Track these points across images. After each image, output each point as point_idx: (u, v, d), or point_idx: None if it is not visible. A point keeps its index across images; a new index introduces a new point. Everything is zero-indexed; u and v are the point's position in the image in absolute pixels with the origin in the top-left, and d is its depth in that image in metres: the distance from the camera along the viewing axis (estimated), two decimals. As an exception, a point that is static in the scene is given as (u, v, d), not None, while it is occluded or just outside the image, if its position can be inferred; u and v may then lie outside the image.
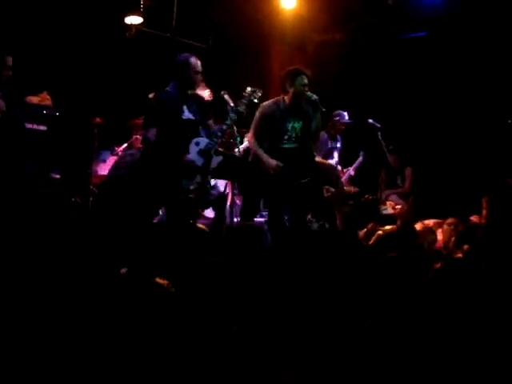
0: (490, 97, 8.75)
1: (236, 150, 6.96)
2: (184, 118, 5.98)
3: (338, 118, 8.33)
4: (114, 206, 5.60)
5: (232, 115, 6.38)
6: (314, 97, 6.56)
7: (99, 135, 7.60)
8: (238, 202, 7.89)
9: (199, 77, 6.19)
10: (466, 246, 4.64)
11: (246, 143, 7.24)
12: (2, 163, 6.71)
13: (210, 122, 6.35)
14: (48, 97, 7.30)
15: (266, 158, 6.48)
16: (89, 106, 7.94)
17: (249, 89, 6.46)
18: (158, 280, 3.09)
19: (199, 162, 5.93)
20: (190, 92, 6.13)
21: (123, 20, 8.45)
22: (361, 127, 8.47)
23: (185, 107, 6.04)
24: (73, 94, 7.87)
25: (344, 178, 8.34)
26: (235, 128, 6.90)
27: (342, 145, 8.55)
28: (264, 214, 7.99)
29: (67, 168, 7.27)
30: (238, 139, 6.90)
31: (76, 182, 7.21)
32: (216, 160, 6.03)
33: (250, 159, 6.70)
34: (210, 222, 6.95)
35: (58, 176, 7.16)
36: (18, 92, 7.18)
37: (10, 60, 6.27)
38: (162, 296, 3.01)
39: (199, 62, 6.14)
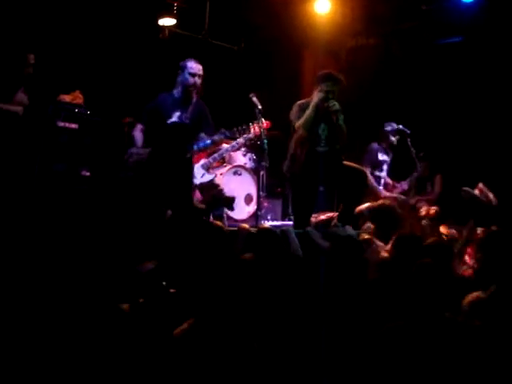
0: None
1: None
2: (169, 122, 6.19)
3: (389, 129, 8.25)
4: (127, 207, 5.65)
5: (260, 118, 6.44)
6: (336, 107, 6.54)
7: (129, 134, 7.66)
8: (265, 204, 7.90)
9: (196, 79, 6.34)
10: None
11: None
12: (33, 161, 6.83)
13: (202, 134, 6.46)
14: (80, 95, 7.39)
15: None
16: (120, 106, 8.02)
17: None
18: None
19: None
20: (193, 97, 6.34)
21: (157, 21, 8.53)
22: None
23: (177, 113, 6.22)
24: (104, 94, 7.95)
25: (397, 191, 8.26)
26: (263, 131, 6.90)
27: (391, 158, 8.47)
28: (292, 217, 8.00)
29: (98, 166, 7.34)
30: (266, 141, 6.88)
31: (106, 180, 7.27)
32: (207, 177, 6.10)
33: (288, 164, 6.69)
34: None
35: (88, 174, 7.24)
36: (51, 90, 7.30)
37: (31, 58, 6.44)
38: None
39: (199, 67, 6.36)
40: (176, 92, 6.42)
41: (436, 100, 9.39)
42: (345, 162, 6.76)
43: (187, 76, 6.33)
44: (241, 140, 6.81)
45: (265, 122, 7.05)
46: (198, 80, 6.40)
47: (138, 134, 6.30)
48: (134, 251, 4.29)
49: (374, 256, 4.74)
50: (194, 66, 6.36)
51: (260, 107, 6.55)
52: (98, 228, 5.33)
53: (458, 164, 8.80)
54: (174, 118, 6.25)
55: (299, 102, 6.76)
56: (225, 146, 6.95)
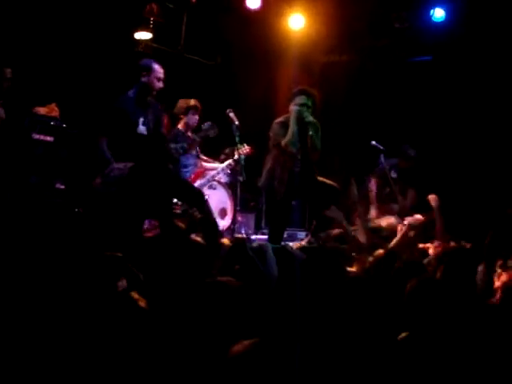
0: (492, 119, 8.84)
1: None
2: (138, 132, 6.01)
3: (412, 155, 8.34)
4: (108, 222, 5.64)
5: (236, 132, 6.49)
6: (309, 118, 6.64)
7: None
8: (239, 218, 7.97)
9: (161, 84, 6.15)
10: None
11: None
12: (8, 173, 6.79)
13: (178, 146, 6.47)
14: (56, 108, 7.37)
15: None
16: (95, 119, 8.01)
17: (206, 124, 6.56)
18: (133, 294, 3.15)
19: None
20: (149, 99, 6.12)
21: (133, 35, 8.56)
22: (364, 149, 8.52)
23: (141, 119, 6.04)
24: (80, 107, 7.94)
25: None
26: (239, 146, 6.97)
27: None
28: (265, 231, 8.07)
29: (72, 179, 7.32)
30: (242, 157, 6.95)
31: (80, 192, 7.25)
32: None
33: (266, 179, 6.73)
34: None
35: (62, 187, 7.21)
36: (26, 103, 7.28)
37: (8, 72, 6.37)
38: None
39: (162, 70, 6.14)
40: (132, 93, 6.14)
41: (407, 116, 9.55)
42: (319, 178, 6.83)
43: (154, 80, 6.07)
44: (226, 167, 6.86)
45: (248, 148, 7.13)
46: (162, 85, 6.20)
47: (105, 148, 6.01)
48: (112, 265, 4.29)
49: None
50: (161, 70, 6.14)
51: (237, 123, 6.59)
52: (74, 242, 5.31)
53: (428, 177, 8.96)
54: (140, 124, 6.04)
55: (278, 120, 6.80)
56: (210, 172, 7.05)
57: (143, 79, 6.07)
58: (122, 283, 3.89)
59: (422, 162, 8.36)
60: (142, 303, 3.21)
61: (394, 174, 8.14)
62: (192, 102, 7.22)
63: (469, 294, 3.92)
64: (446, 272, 4.07)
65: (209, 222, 5.96)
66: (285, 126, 6.67)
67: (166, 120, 6.86)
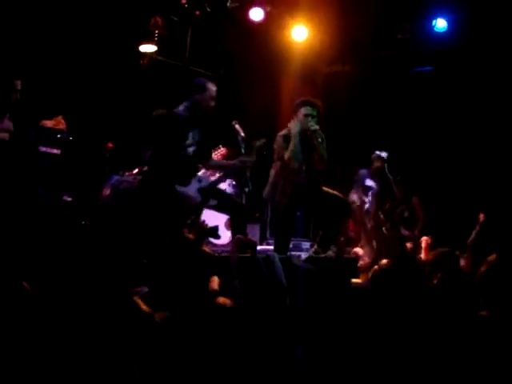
0: (494, 129, 8.89)
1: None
2: (187, 149, 6.06)
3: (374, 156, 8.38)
4: (115, 236, 5.69)
5: (242, 144, 6.52)
6: (314, 127, 6.66)
7: (110, 160, 7.72)
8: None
9: (213, 103, 6.26)
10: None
11: None
12: (15, 186, 6.84)
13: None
14: (62, 121, 7.42)
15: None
16: (101, 132, 8.08)
17: (257, 142, 6.61)
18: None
19: (197, 199, 6.03)
20: (198, 117, 6.19)
21: (138, 48, 8.62)
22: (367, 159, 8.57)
23: (190, 134, 6.11)
24: (86, 119, 8.00)
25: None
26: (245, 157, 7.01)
27: (378, 186, 8.57)
28: (270, 241, 8.10)
29: (79, 191, 7.36)
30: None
31: (86, 205, 7.30)
32: (212, 202, 6.11)
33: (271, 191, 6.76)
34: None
35: (69, 199, 7.26)
36: (33, 116, 7.34)
37: (18, 84, 6.39)
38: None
39: (215, 89, 6.24)
40: (185, 110, 6.21)
41: (409, 126, 9.61)
42: (324, 189, 6.87)
43: (209, 99, 6.20)
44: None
45: (223, 149, 7.16)
46: (214, 104, 6.31)
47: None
48: (124, 277, 4.34)
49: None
50: (215, 90, 6.25)
51: (243, 135, 6.62)
52: (84, 255, 5.35)
53: (432, 186, 9.02)
54: (190, 142, 6.12)
55: (282, 133, 6.82)
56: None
57: (197, 97, 6.16)
58: (142, 290, 3.95)
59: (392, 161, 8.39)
60: (144, 307, 3.25)
61: (369, 183, 8.21)
62: None
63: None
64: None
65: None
66: (288, 138, 6.71)
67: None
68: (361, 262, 5.37)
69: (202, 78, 6.32)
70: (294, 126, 6.72)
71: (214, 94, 6.20)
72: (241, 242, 4.86)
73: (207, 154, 6.37)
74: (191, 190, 6.00)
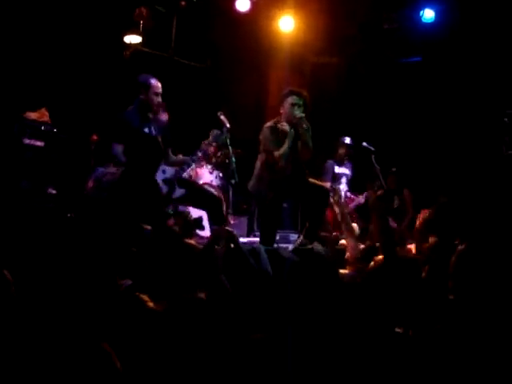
0: (481, 118, 8.89)
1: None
2: (146, 132, 6.02)
3: (340, 142, 8.40)
4: (99, 227, 5.65)
5: (227, 135, 6.48)
6: (300, 114, 6.60)
7: (95, 152, 7.66)
8: (231, 221, 7.96)
9: (159, 99, 6.18)
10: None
11: None
12: (-1, 178, 6.78)
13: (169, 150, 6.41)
14: (46, 113, 7.36)
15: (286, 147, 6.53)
16: (86, 123, 8.00)
17: (215, 131, 6.56)
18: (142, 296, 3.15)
19: (163, 190, 6.00)
20: (150, 115, 6.15)
21: (122, 39, 8.55)
22: (356, 150, 8.56)
23: (146, 129, 6.06)
24: (71, 111, 7.92)
25: (352, 205, 8.34)
26: (231, 148, 6.97)
27: (351, 171, 8.62)
28: (257, 234, 8.06)
29: (63, 184, 7.30)
30: (234, 160, 6.95)
31: (72, 197, 7.24)
32: (179, 192, 6.06)
33: (256, 183, 6.71)
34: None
35: (54, 191, 7.20)
36: (17, 108, 7.26)
37: None
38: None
39: (159, 84, 6.16)
40: (133, 109, 6.16)
41: (397, 116, 9.59)
42: (309, 180, 6.82)
43: (152, 96, 6.12)
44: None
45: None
46: (160, 99, 6.24)
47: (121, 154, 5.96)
48: (108, 269, 4.29)
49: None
50: (158, 85, 6.16)
51: (228, 125, 6.56)
52: (69, 247, 5.30)
53: (420, 177, 9.01)
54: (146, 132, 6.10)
55: (268, 124, 6.74)
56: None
57: (142, 96, 6.10)
58: (126, 282, 3.90)
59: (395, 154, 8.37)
60: (151, 304, 3.21)
61: (338, 170, 8.32)
62: None
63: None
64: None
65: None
66: (274, 130, 6.64)
67: None
68: (348, 254, 5.32)
69: (145, 75, 6.23)
70: (288, 128, 6.64)
71: (157, 90, 6.13)
72: (218, 233, 4.79)
73: (166, 151, 6.29)
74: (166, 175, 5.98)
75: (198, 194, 6.40)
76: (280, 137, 6.65)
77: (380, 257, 4.49)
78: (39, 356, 2.91)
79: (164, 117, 7.11)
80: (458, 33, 8.77)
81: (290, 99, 6.67)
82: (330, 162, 8.49)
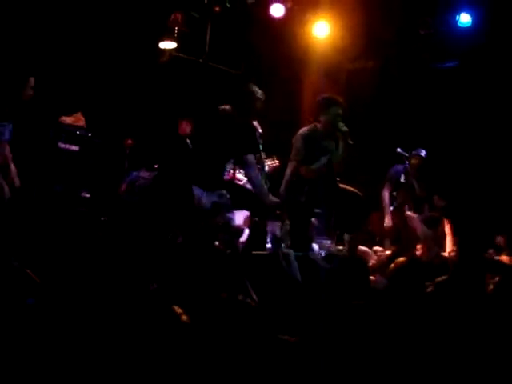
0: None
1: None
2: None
3: (422, 155, 8.27)
4: (130, 231, 5.69)
5: (259, 141, 6.46)
6: (345, 128, 6.52)
7: (130, 156, 7.71)
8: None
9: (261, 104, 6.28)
10: None
11: None
12: (34, 182, 6.87)
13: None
14: (82, 117, 7.45)
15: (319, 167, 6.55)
16: (121, 128, 8.07)
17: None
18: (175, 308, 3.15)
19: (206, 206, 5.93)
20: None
21: (158, 45, 8.61)
22: (390, 156, 8.48)
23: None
24: (106, 116, 8.00)
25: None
26: (263, 154, 6.96)
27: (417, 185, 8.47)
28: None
29: (97, 188, 7.37)
30: (266, 165, 6.95)
31: (105, 201, 7.31)
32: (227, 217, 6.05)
33: (285, 189, 6.68)
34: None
35: (88, 195, 7.27)
36: (52, 112, 7.36)
37: (32, 81, 6.34)
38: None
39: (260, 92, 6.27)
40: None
41: (433, 123, 9.49)
42: (341, 185, 6.77)
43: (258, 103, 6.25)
44: None
45: (277, 161, 7.09)
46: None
47: None
48: (140, 273, 4.31)
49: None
50: (260, 92, 6.28)
51: (260, 131, 6.55)
52: (101, 251, 5.34)
53: (455, 183, 8.90)
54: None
55: (304, 132, 6.66)
56: None
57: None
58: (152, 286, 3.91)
59: (431, 161, 8.25)
60: (185, 317, 3.22)
61: (402, 179, 8.08)
62: None
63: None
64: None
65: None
66: (310, 139, 6.57)
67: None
68: (372, 261, 5.29)
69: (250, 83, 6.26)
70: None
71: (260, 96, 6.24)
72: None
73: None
74: (207, 198, 5.92)
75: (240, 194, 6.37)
76: (314, 146, 6.59)
77: (401, 259, 4.47)
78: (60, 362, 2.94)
79: (187, 129, 7.15)
80: (494, 37, 8.65)
81: (336, 109, 6.55)
82: (399, 168, 8.31)
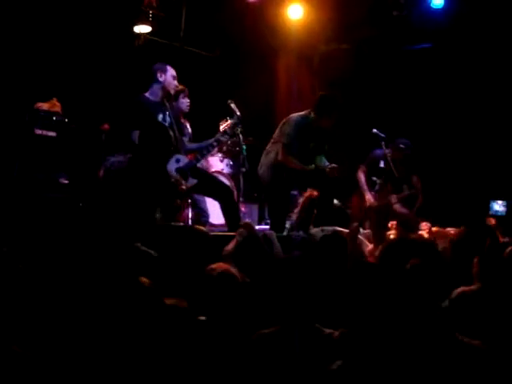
0: (492, 105, 8.88)
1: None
2: (160, 120, 6.07)
3: (403, 147, 8.27)
4: (106, 213, 5.70)
5: (237, 123, 6.48)
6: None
7: (107, 141, 7.69)
8: (242, 209, 7.99)
9: (176, 82, 6.25)
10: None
11: None
12: (12, 169, 6.82)
13: (185, 139, 6.47)
14: (57, 103, 7.39)
15: (302, 166, 6.65)
16: (97, 113, 8.02)
17: (230, 121, 6.59)
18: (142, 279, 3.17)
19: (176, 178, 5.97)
20: (166, 102, 6.20)
21: (132, 28, 8.56)
22: (365, 137, 8.54)
23: (161, 115, 6.11)
24: (81, 101, 7.94)
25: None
26: (241, 137, 6.99)
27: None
28: (268, 221, 8.09)
29: (75, 174, 7.34)
30: (244, 148, 6.99)
31: (83, 187, 7.28)
32: (191, 181, 6.06)
33: (269, 171, 6.75)
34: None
35: (66, 181, 7.24)
36: (28, 98, 7.30)
37: None
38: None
39: (174, 71, 6.23)
40: (152, 95, 6.20)
41: (406, 104, 9.57)
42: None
43: (170, 79, 6.17)
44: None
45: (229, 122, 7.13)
46: (177, 83, 6.31)
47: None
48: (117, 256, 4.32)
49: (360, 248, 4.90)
50: (174, 71, 6.22)
51: (238, 113, 6.56)
52: (79, 235, 5.34)
53: (429, 164, 9.01)
54: (159, 120, 6.11)
55: (297, 119, 6.74)
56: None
57: (160, 79, 6.15)
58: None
59: (412, 154, 8.32)
60: (146, 283, 3.21)
61: (381, 165, 8.12)
62: (180, 86, 7.16)
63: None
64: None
65: (236, 216, 6.16)
66: (301, 128, 6.66)
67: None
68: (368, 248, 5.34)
69: (160, 62, 6.26)
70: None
71: (175, 73, 6.18)
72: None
73: (180, 139, 6.30)
74: (169, 169, 5.96)
75: (210, 184, 6.39)
76: (304, 134, 6.68)
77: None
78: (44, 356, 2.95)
79: (185, 103, 7.13)
80: (466, 18, 8.74)
81: (335, 115, 6.76)
82: (379, 153, 8.21)
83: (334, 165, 6.69)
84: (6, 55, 7.29)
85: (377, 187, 7.95)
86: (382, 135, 8.11)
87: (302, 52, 9.78)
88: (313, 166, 6.71)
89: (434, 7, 8.89)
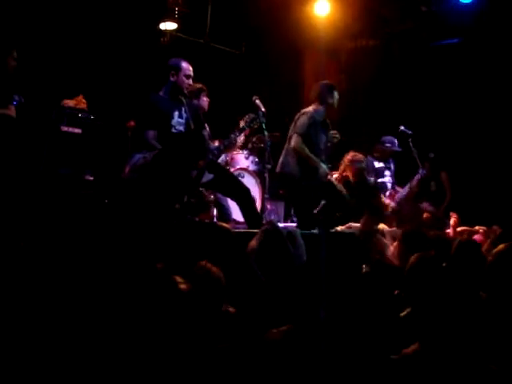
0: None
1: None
2: (173, 124, 6.04)
3: (389, 145, 8.20)
4: (129, 207, 5.70)
5: (256, 118, 6.46)
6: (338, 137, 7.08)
7: (133, 138, 7.70)
8: (268, 206, 7.95)
9: (190, 81, 6.18)
10: None
11: None
12: (38, 165, 6.87)
13: (205, 132, 6.43)
14: (83, 100, 7.43)
15: (318, 162, 6.65)
16: (123, 110, 8.04)
17: (248, 116, 6.56)
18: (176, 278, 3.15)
19: (192, 174, 5.91)
20: (183, 99, 6.15)
21: (158, 26, 8.57)
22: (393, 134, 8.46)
23: (176, 113, 6.06)
24: (107, 98, 7.98)
25: (397, 197, 8.15)
26: (266, 133, 6.94)
27: (395, 166, 8.46)
28: (295, 219, 8.04)
29: (101, 170, 7.37)
30: (269, 144, 6.94)
31: (109, 184, 7.31)
32: (207, 177, 6.02)
33: (286, 164, 6.75)
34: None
35: (91, 178, 7.27)
36: (54, 95, 7.34)
37: (15, 53, 6.22)
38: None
39: (191, 67, 6.15)
40: (164, 92, 6.17)
41: (435, 100, 9.46)
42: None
43: (183, 78, 6.09)
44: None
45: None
46: (191, 81, 6.24)
47: (153, 141, 5.94)
48: (141, 252, 4.32)
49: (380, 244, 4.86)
50: (189, 68, 6.14)
51: (263, 110, 6.54)
52: (104, 231, 5.35)
53: (459, 162, 8.89)
54: (176, 118, 6.07)
55: (311, 114, 6.75)
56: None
57: (172, 79, 6.09)
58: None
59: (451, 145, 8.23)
60: (183, 286, 3.20)
61: (378, 165, 8.13)
62: (200, 84, 7.12)
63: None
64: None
65: (256, 216, 6.09)
66: (313, 121, 6.67)
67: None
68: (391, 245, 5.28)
69: (176, 58, 6.20)
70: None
71: (188, 72, 6.10)
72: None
73: (201, 135, 6.29)
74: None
75: (228, 182, 6.32)
76: (316, 128, 6.69)
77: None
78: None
79: (206, 101, 7.12)
80: (495, 14, 8.61)
81: (336, 94, 6.86)
82: (368, 158, 8.23)
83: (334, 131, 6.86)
84: (33, 53, 7.32)
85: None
86: (409, 132, 8.04)
87: (329, 48, 9.68)
88: (327, 166, 6.72)
89: (463, 2, 8.78)
